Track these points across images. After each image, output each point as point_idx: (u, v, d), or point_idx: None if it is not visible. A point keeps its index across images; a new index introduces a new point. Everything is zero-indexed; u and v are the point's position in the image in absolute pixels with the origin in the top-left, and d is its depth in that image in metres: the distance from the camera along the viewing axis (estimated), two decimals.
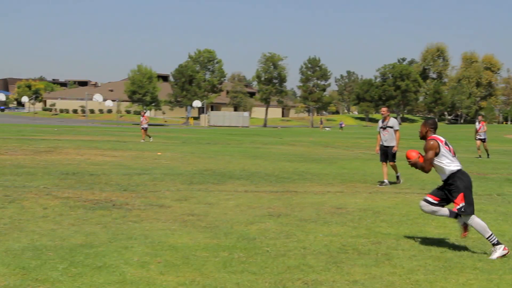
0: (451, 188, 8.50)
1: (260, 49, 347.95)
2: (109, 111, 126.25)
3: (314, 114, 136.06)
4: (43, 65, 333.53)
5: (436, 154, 8.53)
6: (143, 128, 39.49)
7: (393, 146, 16.96)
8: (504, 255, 8.11)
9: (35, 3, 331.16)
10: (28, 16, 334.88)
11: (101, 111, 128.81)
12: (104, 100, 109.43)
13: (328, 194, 14.52)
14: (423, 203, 8.77)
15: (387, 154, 17.08)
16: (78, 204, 11.82)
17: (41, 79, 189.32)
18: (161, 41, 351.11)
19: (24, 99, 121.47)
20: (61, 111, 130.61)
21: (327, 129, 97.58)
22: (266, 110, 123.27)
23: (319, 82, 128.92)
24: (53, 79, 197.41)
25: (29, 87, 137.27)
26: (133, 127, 71.40)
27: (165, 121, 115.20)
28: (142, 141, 37.84)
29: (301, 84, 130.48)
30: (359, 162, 24.88)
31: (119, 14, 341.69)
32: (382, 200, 13.71)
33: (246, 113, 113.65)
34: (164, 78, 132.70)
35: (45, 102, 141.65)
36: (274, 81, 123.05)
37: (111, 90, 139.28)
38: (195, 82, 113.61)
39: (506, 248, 8.23)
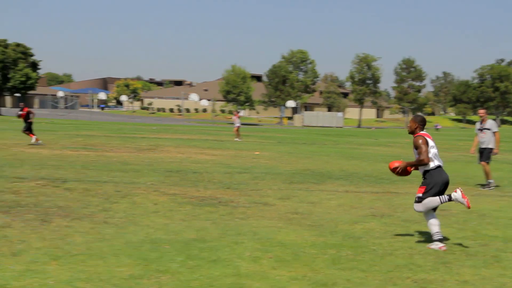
0: (423, 180, 8.92)
1: (353, 50, 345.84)
2: (204, 110, 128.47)
3: (409, 115, 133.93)
4: (140, 64, 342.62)
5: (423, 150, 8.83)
6: (235, 127, 40.17)
7: (490, 148, 16.63)
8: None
9: (130, 6, 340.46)
10: (124, 18, 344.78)
11: (196, 110, 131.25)
12: (200, 99, 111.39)
13: None
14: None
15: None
16: (186, 201, 12.28)
17: (138, 78, 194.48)
18: (255, 42, 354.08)
19: (123, 98, 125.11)
20: (158, 109, 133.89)
21: None
22: (360, 110, 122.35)
23: (414, 83, 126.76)
24: (150, 79, 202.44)
25: (127, 86, 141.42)
26: (229, 126, 72.33)
27: (259, 121, 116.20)
28: (238, 140, 38.43)
29: (395, 85, 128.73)
30: (459, 164, 24.50)
31: (213, 15, 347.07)
32: (487, 202, 13.55)
33: (340, 114, 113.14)
34: (258, 78, 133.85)
35: (142, 101, 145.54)
36: (368, 81, 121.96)
37: (206, 90, 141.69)
38: (289, 82, 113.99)
39: (442, 247, 8.55)
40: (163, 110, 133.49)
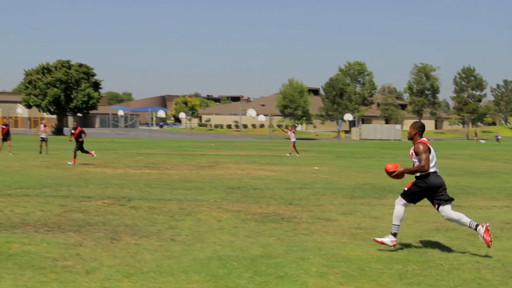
0: (415, 181, 9.32)
1: (411, 60, 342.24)
2: (262, 125, 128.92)
3: (469, 126, 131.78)
4: (198, 82, 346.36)
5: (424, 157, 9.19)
6: (291, 142, 40.08)
7: None
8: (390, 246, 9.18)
9: (187, 24, 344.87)
10: (181, 37, 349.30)
11: (253, 125, 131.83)
12: (257, 115, 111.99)
13: (494, 209, 14.30)
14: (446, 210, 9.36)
15: None
16: (249, 217, 12.44)
17: (196, 95, 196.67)
18: (312, 55, 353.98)
19: (181, 115, 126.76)
20: (216, 126, 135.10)
21: (482, 141, 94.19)
22: None
23: (474, 92, 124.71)
24: (207, 95, 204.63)
25: (185, 103, 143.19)
26: (286, 141, 72.38)
27: (316, 135, 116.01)
28: (296, 155, 38.37)
29: (455, 95, 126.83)
30: None
31: (269, 30, 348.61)
32: None
33: (398, 126, 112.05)
34: (315, 91, 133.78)
35: (200, 118, 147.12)
36: (426, 92, 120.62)
37: (263, 105, 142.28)
38: (346, 95, 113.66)
39: (394, 242, 9.21)
40: (221, 126, 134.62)
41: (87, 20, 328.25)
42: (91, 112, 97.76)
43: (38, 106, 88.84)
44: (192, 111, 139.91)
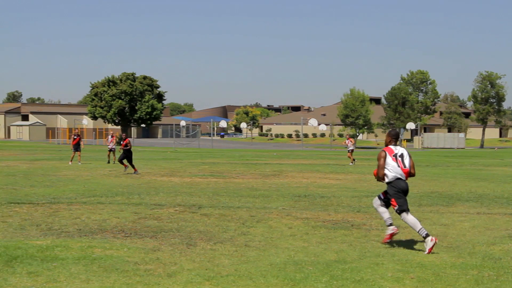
0: (387, 191, 10.35)
1: (475, 68, 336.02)
2: (322, 135, 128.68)
3: None
4: (258, 92, 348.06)
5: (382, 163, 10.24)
6: (349, 151, 40.09)
7: None
8: (433, 246, 9.56)
9: (247, 35, 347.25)
10: (241, 48, 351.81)
11: (314, 135, 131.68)
12: (318, 124, 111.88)
13: None
14: (375, 198, 10.71)
15: None
16: (319, 224, 12.60)
17: (257, 105, 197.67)
18: (373, 64, 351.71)
19: (243, 125, 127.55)
20: (276, 135, 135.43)
21: None
22: (483, 130, 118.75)
23: None
24: (268, 105, 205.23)
25: (246, 113, 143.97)
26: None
27: (377, 144, 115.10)
28: (351, 164, 38.27)
29: None
30: None
31: (329, 40, 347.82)
32: None
33: (461, 134, 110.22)
34: (377, 101, 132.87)
35: (261, 128, 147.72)
36: (491, 100, 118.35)
37: (324, 115, 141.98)
38: (408, 104, 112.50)
39: (433, 239, 9.64)
40: (281, 136, 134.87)
41: (151, 32, 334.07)
42: (154, 123, 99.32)
43: (103, 117, 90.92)
44: (253, 121, 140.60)
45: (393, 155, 10.26)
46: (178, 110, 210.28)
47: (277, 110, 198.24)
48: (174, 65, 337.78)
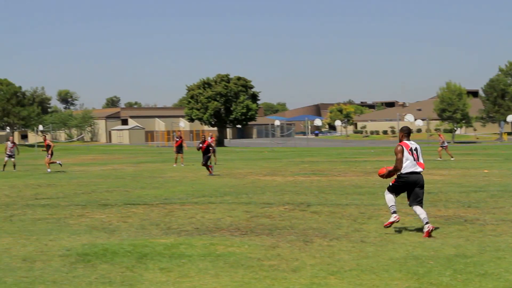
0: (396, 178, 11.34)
1: None
2: (419, 130, 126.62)
3: None
4: (351, 89, 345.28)
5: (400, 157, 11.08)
6: (441, 146, 39.36)
7: None
8: (392, 222, 11.16)
9: (335, 34, 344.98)
10: (332, 45, 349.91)
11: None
12: (415, 119, 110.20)
13: None
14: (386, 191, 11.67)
15: None
16: (431, 220, 12.56)
17: (350, 102, 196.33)
18: (469, 57, 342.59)
19: (337, 122, 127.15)
20: (371, 132, 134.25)
21: None
22: None
23: None
24: (361, 102, 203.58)
25: (340, 111, 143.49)
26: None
27: (477, 138, 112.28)
28: (439, 159, 37.67)
29: None
30: None
31: (420, 34, 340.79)
32: None
33: None
34: (474, 93, 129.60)
35: (355, 125, 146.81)
36: None
37: (419, 110, 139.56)
38: (508, 95, 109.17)
39: (398, 217, 11.22)
40: (376, 132, 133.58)
41: (243, 33, 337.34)
42: (249, 123, 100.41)
43: (200, 119, 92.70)
44: (347, 119, 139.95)
45: (409, 149, 11.16)
46: (271, 109, 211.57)
47: (371, 106, 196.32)
48: (266, 65, 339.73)
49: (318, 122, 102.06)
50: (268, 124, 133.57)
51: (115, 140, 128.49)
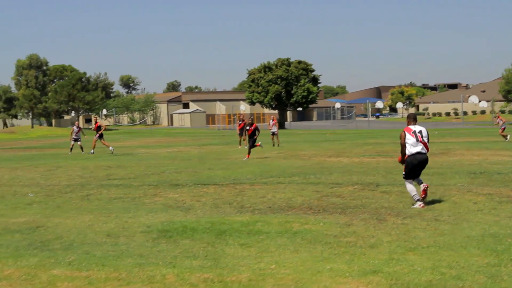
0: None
1: None
2: (483, 112, 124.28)
3: None
4: (412, 71, 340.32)
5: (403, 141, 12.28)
6: (501, 128, 38.98)
7: None
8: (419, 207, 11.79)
9: (397, 13, 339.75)
10: (392, 26, 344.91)
11: (474, 112, 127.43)
12: (479, 101, 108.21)
13: None
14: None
15: None
16: (504, 200, 12.55)
17: (411, 84, 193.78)
18: None
19: (399, 105, 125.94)
20: (434, 114, 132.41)
21: None
22: None
23: None
24: (423, 84, 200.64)
25: (401, 93, 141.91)
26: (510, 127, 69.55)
27: None
28: (506, 140, 37.19)
29: None
30: None
31: (479, 15, 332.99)
32: None
33: None
34: None
35: (417, 107, 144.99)
36: None
37: (483, 91, 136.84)
38: None
39: (423, 205, 11.86)
40: (439, 114, 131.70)
41: (305, 17, 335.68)
42: (309, 106, 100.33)
43: (261, 102, 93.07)
44: (409, 101, 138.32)
45: (412, 132, 12.21)
46: (331, 92, 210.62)
47: (433, 88, 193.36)
48: (326, 48, 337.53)
49: (379, 104, 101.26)
50: (328, 107, 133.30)
51: (177, 123, 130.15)
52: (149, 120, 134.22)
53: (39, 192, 15.98)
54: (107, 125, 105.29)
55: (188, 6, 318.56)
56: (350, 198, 13.33)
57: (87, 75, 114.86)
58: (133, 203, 13.53)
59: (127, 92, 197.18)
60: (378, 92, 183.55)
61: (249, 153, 26.77)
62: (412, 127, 12.36)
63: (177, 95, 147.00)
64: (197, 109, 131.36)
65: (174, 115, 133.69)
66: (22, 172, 22.52)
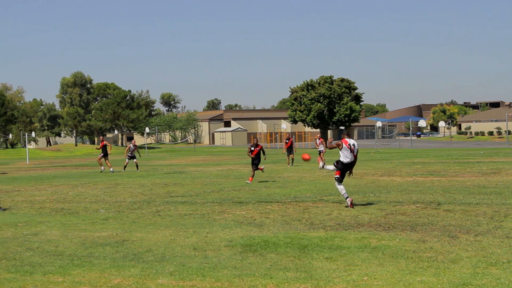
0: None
1: None
2: None
3: None
4: (453, 89, 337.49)
5: (340, 148, 16.00)
6: None
7: None
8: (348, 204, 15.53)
9: (434, 32, 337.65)
10: (432, 45, 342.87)
11: None
12: None
13: None
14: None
15: None
16: None
17: (453, 103, 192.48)
18: None
19: (441, 123, 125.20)
20: (476, 133, 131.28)
21: None
22: None
23: None
24: (464, 102, 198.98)
25: (443, 112, 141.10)
26: None
27: None
28: None
29: None
30: None
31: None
32: None
33: None
34: None
35: (459, 126, 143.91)
36: None
37: None
38: None
39: (351, 200, 15.67)
40: (482, 133, 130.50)
41: (345, 35, 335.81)
42: (351, 124, 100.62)
43: (303, 121, 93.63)
44: (451, 119, 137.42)
45: (348, 144, 15.77)
46: (371, 111, 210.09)
47: (475, 107, 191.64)
48: (366, 66, 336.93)
49: (422, 123, 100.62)
50: (369, 126, 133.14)
51: (218, 141, 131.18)
52: (191, 138, 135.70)
53: (109, 208, 16.70)
54: (150, 143, 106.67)
55: (227, 22, 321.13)
56: (415, 216, 13.69)
57: (131, 93, 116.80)
58: (205, 219, 14.09)
59: (168, 110, 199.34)
60: (419, 111, 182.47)
61: (252, 176, 25.45)
62: (347, 139, 15.94)
63: (218, 113, 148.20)
64: (239, 128, 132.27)
65: (215, 134, 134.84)
66: (84, 189, 23.35)
